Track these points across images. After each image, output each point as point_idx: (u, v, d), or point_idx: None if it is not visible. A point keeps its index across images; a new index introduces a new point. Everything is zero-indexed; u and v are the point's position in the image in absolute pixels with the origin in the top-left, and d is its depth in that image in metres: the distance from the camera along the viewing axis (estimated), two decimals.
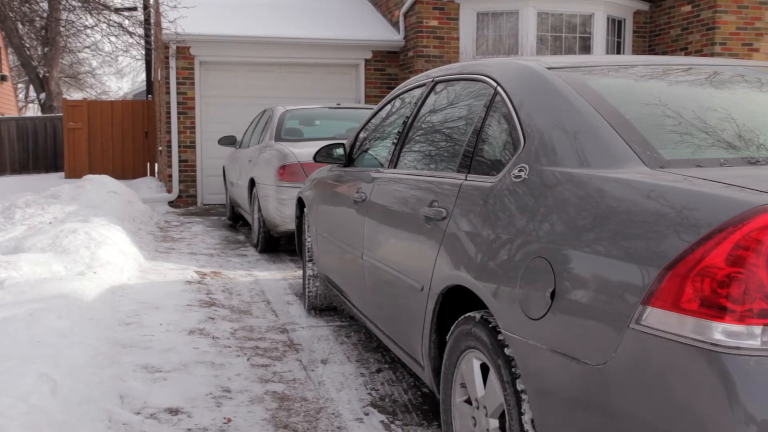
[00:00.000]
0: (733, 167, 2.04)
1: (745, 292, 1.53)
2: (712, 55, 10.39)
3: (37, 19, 18.37)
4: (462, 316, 2.55)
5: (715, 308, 1.55)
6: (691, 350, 1.57)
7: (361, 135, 4.41)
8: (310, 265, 5.14)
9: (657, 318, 1.64)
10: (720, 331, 1.54)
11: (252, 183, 8.12)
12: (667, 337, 1.62)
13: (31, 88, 30.20)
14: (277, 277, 6.56)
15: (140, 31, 15.16)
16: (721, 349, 1.53)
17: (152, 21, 14.73)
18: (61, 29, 20.45)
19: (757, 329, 1.53)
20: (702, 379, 1.55)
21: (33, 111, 35.11)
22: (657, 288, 1.65)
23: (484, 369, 2.42)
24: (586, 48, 11.44)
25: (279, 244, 7.94)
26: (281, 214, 7.16)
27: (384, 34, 12.43)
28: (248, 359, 4.13)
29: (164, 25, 11.51)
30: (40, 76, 24.02)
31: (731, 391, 1.51)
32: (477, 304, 2.49)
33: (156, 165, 16.66)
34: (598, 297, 1.83)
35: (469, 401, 2.54)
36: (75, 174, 16.12)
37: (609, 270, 1.81)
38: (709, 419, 1.54)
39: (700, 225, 1.63)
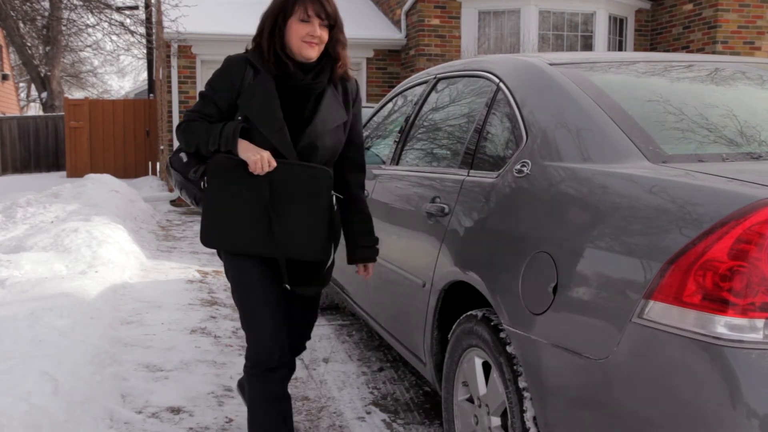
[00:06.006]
0: (735, 162, 2.03)
1: (748, 286, 1.53)
2: (713, 53, 10.38)
3: (39, 17, 18.39)
4: (464, 315, 2.55)
5: (717, 302, 1.55)
6: (693, 344, 1.57)
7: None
8: None
9: (659, 312, 1.64)
10: (722, 325, 1.54)
11: None
12: (669, 330, 1.61)
13: (33, 87, 30.24)
14: None
15: (141, 29, 15.17)
16: (724, 343, 1.53)
17: (153, 20, 14.74)
18: (63, 28, 20.47)
19: (760, 322, 1.52)
20: (704, 373, 1.54)
21: (34, 110, 35.15)
22: (659, 282, 1.64)
23: (486, 367, 2.41)
24: (587, 46, 11.43)
25: None
26: None
27: (385, 32, 12.42)
28: None
29: (165, 23, 11.51)
30: (42, 75, 24.06)
31: (733, 385, 1.50)
32: (479, 301, 2.48)
33: (157, 164, 16.67)
34: (600, 291, 1.82)
35: (471, 399, 2.53)
36: (76, 173, 16.15)
37: (611, 264, 1.81)
38: (711, 413, 1.53)
39: (702, 219, 1.63)
